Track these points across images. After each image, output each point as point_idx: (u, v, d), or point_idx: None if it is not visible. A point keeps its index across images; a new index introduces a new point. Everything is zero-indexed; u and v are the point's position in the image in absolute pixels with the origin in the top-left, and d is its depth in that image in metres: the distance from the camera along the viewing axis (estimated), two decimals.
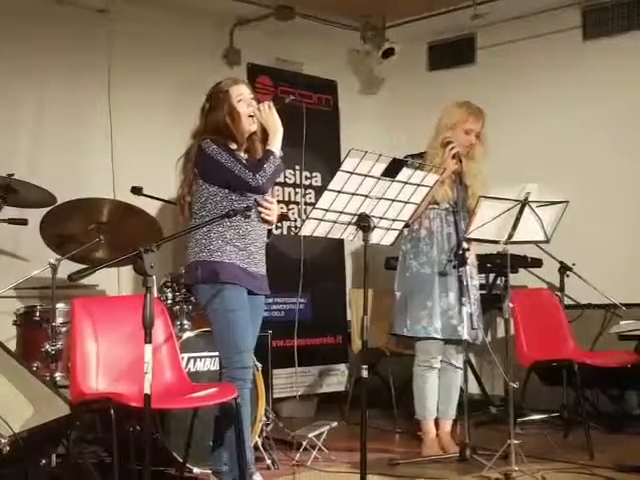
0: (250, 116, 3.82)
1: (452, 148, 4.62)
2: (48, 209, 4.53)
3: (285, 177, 6.22)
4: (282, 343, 5.95)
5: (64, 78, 5.59)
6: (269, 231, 3.97)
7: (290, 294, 5.96)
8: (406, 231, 4.62)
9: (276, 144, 3.79)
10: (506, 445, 4.18)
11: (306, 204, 6.34)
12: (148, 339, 3.09)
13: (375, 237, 3.69)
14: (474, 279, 4.70)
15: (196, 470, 4.09)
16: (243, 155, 3.86)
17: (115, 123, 5.81)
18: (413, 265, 4.72)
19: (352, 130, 6.65)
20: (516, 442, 4.16)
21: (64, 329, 4.38)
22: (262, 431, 4.52)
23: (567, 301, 5.73)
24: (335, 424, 4.77)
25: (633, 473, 4.12)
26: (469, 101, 4.77)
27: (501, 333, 6.10)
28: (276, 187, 5.98)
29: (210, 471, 3.87)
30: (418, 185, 3.63)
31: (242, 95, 3.83)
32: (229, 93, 3.81)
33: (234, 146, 3.83)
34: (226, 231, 3.76)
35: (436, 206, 4.71)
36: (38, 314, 4.50)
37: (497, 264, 5.36)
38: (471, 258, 4.54)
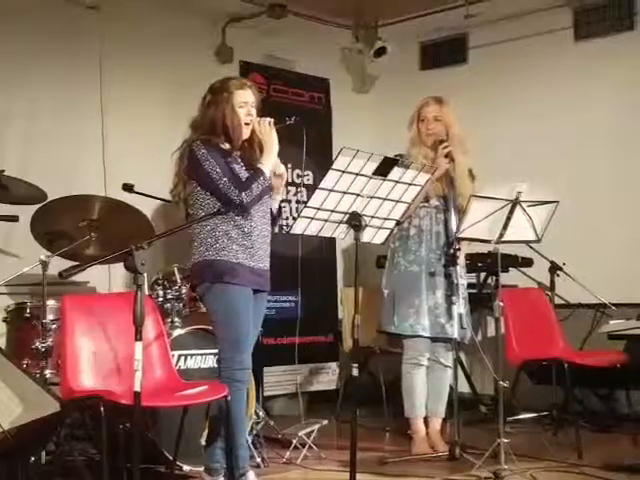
0: (246, 124, 3.81)
1: (445, 147, 4.63)
2: (39, 206, 4.52)
3: None
4: (273, 341, 5.95)
5: (56, 75, 5.56)
6: (274, 220, 3.95)
7: (281, 292, 5.97)
8: (395, 229, 4.62)
9: (268, 163, 3.78)
10: (496, 444, 4.18)
11: (298, 202, 6.33)
12: (138, 337, 3.10)
13: (366, 236, 3.69)
14: (462, 278, 4.71)
15: (186, 467, 4.09)
16: (237, 154, 3.85)
17: (107, 120, 5.79)
18: (401, 263, 4.73)
19: (344, 128, 6.65)
20: (506, 441, 4.16)
21: (54, 326, 4.36)
22: (252, 429, 4.52)
23: (557, 300, 5.73)
24: (325, 422, 4.77)
25: (621, 472, 4.14)
26: None
27: (491, 332, 6.11)
28: None
29: (202, 468, 3.87)
30: (409, 184, 3.64)
31: (246, 103, 3.82)
32: (234, 95, 3.80)
33: (227, 146, 3.82)
34: (231, 230, 3.75)
35: (426, 204, 4.72)
36: (28, 311, 4.48)
37: (488, 263, 5.40)
38: (460, 258, 4.55)
